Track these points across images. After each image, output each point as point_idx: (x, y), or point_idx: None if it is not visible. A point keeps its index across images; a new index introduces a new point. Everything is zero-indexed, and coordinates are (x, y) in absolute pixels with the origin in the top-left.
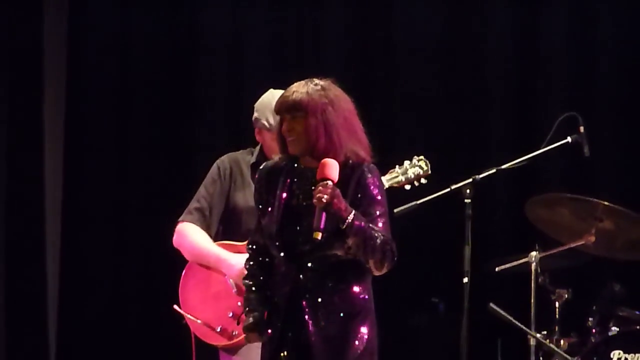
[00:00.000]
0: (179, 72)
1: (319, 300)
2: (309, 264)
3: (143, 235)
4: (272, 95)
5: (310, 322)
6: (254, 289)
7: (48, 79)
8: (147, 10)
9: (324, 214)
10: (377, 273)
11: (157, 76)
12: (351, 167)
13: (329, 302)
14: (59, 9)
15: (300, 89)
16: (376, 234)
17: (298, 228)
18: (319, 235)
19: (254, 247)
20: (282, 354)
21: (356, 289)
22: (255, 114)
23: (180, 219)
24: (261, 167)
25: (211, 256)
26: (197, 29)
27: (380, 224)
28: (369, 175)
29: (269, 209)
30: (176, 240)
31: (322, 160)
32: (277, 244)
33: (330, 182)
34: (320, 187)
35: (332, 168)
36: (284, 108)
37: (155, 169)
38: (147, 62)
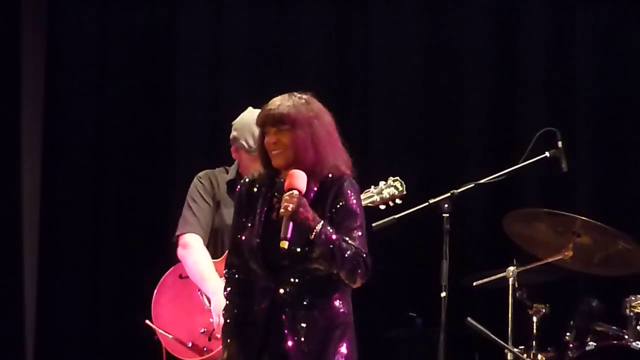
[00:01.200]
0: (158, 73)
1: (299, 314)
2: (289, 278)
3: (119, 246)
4: (252, 115)
5: (289, 336)
6: (229, 321)
7: (26, 80)
8: (125, 10)
9: (290, 224)
10: (352, 286)
11: (136, 77)
12: (331, 180)
13: (309, 316)
14: (38, 9)
15: (285, 102)
16: (346, 245)
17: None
18: (286, 245)
19: (232, 269)
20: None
21: (336, 303)
22: (234, 133)
23: (179, 231)
24: (242, 182)
25: (209, 283)
26: (176, 30)
27: (355, 237)
28: (348, 189)
29: (249, 224)
30: (181, 253)
31: (290, 171)
32: (257, 258)
33: (295, 192)
34: (286, 197)
35: (299, 178)
36: (269, 121)
37: (134, 169)
38: (126, 62)
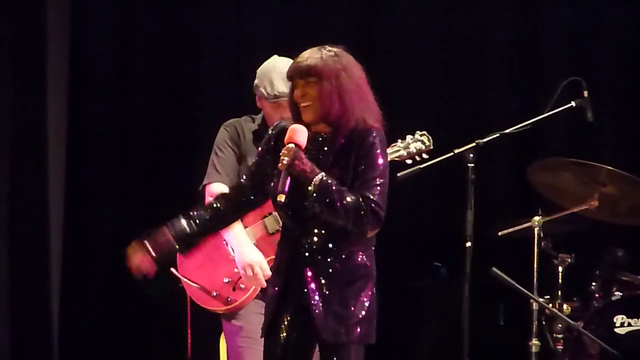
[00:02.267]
0: (180, 70)
1: (321, 265)
2: (313, 229)
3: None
4: (273, 63)
5: (311, 286)
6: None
7: (51, 80)
8: (149, 7)
9: (288, 177)
10: (362, 236)
11: (159, 78)
12: (358, 133)
13: (331, 267)
14: (62, 11)
15: (313, 54)
16: (348, 196)
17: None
18: (282, 198)
19: (236, 185)
20: (284, 317)
21: (358, 255)
22: (256, 81)
23: (206, 181)
24: (273, 128)
25: (234, 237)
26: (200, 31)
27: (371, 187)
28: (373, 141)
29: (275, 171)
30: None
31: (290, 126)
32: (284, 209)
33: (292, 145)
34: (284, 151)
35: (298, 133)
36: (297, 73)
37: (157, 170)
38: (149, 63)
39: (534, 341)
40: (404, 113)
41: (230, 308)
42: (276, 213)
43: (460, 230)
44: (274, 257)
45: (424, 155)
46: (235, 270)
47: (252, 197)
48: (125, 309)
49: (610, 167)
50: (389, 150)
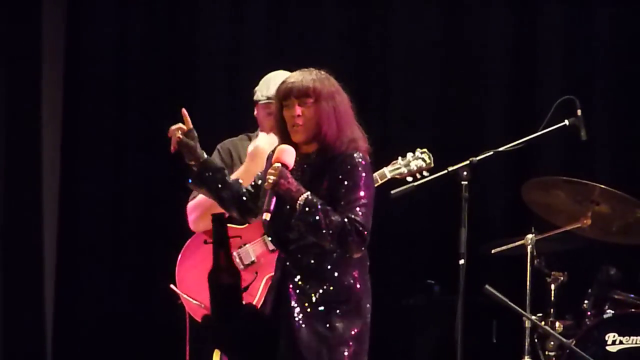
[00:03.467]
0: (177, 75)
1: (305, 287)
2: (297, 252)
3: (142, 217)
4: (274, 74)
5: (295, 306)
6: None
7: (46, 83)
8: (145, 13)
9: (273, 197)
10: (348, 256)
11: (155, 79)
12: (343, 154)
13: (317, 288)
14: (57, 11)
15: (307, 75)
16: (333, 216)
17: (286, 214)
18: (268, 216)
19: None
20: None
21: (346, 277)
22: (255, 89)
23: (190, 198)
24: (273, 150)
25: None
26: (197, 31)
27: (356, 207)
28: (357, 163)
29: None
30: (192, 222)
31: (279, 147)
32: (267, 231)
33: (278, 165)
34: (270, 170)
35: (286, 153)
36: (293, 93)
37: (152, 172)
38: (145, 64)
39: (527, 359)
40: (398, 130)
41: None
42: None
43: (453, 247)
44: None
45: (425, 173)
46: None
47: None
48: (120, 316)
49: (603, 186)
50: (389, 168)
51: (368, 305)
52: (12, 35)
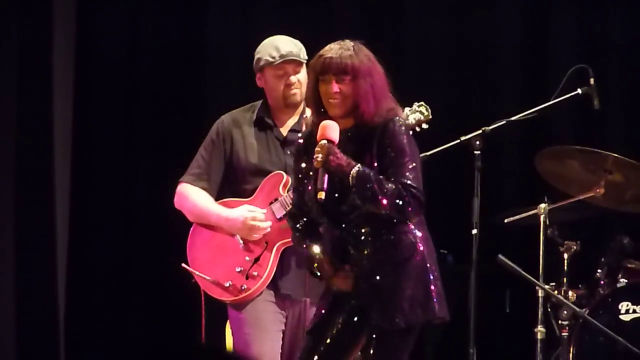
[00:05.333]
0: (188, 76)
1: (365, 252)
2: (352, 223)
3: (151, 198)
4: (273, 37)
5: (358, 274)
6: (298, 226)
7: (57, 81)
8: (156, 13)
9: (325, 174)
10: (406, 221)
11: (166, 80)
12: (381, 122)
13: (376, 253)
14: (68, 12)
15: (344, 50)
16: (388, 184)
17: (336, 189)
18: (323, 195)
19: (294, 212)
20: (334, 317)
21: (403, 236)
22: (257, 55)
23: (180, 179)
24: (302, 134)
25: (212, 215)
26: (207, 32)
27: (405, 172)
28: (395, 128)
29: (310, 172)
30: (177, 202)
31: (321, 123)
32: (317, 209)
33: (324, 142)
34: (317, 148)
35: (331, 129)
36: (332, 70)
37: (162, 168)
38: (156, 64)
39: (540, 328)
40: (410, 101)
41: (244, 297)
42: (282, 199)
43: (466, 217)
44: (285, 241)
45: (424, 126)
46: (247, 258)
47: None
48: (134, 295)
49: (616, 155)
50: None
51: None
52: (24, 37)
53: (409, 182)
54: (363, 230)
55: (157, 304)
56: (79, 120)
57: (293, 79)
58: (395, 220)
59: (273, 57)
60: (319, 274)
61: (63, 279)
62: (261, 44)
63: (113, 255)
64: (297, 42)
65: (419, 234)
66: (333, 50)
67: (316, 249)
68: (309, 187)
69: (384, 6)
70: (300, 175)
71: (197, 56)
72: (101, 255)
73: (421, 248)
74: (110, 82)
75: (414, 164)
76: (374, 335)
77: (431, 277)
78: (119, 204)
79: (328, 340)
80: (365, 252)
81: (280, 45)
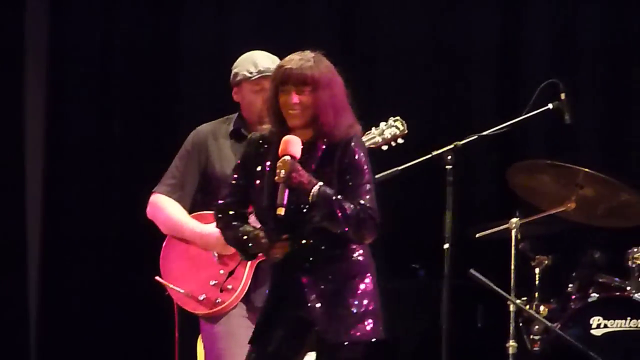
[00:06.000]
0: (161, 76)
1: (316, 269)
2: (304, 237)
3: (124, 209)
4: (252, 52)
5: (308, 291)
6: (234, 223)
7: (29, 82)
8: (129, 13)
9: (286, 190)
10: (360, 243)
11: (140, 79)
12: (340, 139)
13: (326, 270)
14: (41, 12)
15: (304, 62)
16: (347, 205)
17: (293, 201)
18: (282, 211)
19: (226, 209)
20: (277, 325)
21: (353, 252)
22: (235, 70)
23: (154, 189)
24: (250, 137)
25: (185, 230)
26: (181, 31)
27: (363, 193)
28: (355, 146)
29: (257, 181)
30: (150, 212)
31: (284, 138)
32: (269, 218)
33: (288, 157)
34: (279, 164)
35: (293, 144)
36: (292, 80)
37: (137, 170)
38: (129, 64)
39: (512, 343)
40: (382, 115)
41: (219, 310)
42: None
43: (438, 232)
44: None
45: (399, 140)
46: (221, 271)
47: (242, 211)
48: (107, 308)
49: (587, 169)
50: (364, 139)
51: (374, 280)
52: None
53: (367, 204)
54: (315, 244)
55: (130, 316)
56: (52, 123)
57: None
58: (343, 239)
59: (251, 72)
60: (254, 251)
61: (34, 290)
62: (239, 59)
63: (84, 268)
64: (275, 58)
65: (367, 257)
66: (293, 61)
67: (248, 226)
68: (261, 190)
69: (357, 17)
70: (239, 176)
71: (171, 57)
72: (73, 268)
73: (369, 271)
74: (83, 84)
75: (370, 186)
76: (320, 350)
77: (377, 300)
78: (92, 211)
79: (270, 356)
80: (317, 264)
81: (258, 61)
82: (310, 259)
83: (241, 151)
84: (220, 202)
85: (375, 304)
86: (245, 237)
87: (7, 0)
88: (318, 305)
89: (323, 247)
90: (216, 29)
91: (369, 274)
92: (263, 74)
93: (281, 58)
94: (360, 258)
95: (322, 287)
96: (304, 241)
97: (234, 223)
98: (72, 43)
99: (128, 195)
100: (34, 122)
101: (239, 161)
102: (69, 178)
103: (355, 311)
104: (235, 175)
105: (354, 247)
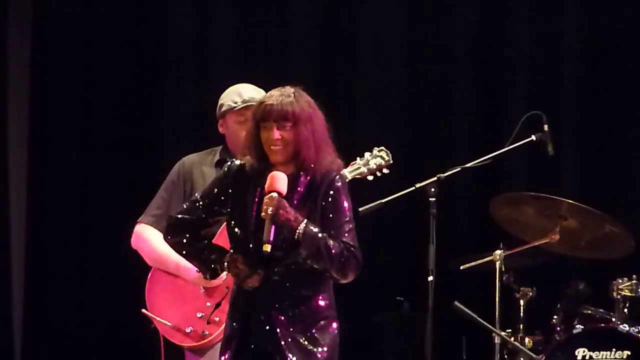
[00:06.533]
0: (145, 75)
1: (285, 307)
2: (275, 272)
3: (107, 238)
4: (238, 85)
5: (276, 325)
6: (187, 246)
7: (12, 77)
8: (113, 12)
9: (272, 227)
10: (342, 281)
11: (123, 79)
12: (322, 175)
13: (295, 309)
14: (23, 12)
15: (285, 97)
16: (332, 242)
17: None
18: (268, 248)
19: (179, 222)
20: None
21: (320, 297)
22: (220, 102)
23: (139, 219)
24: (230, 164)
25: (171, 262)
26: (165, 27)
27: (345, 231)
28: (338, 184)
29: (235, 212)
30: (135, 243)
31: (270, 174)
32: (247, 250)
33: (275, 194)
34: (266, 200)
35: (279, 180)
36: (273, 116)
37: (119, 166)
38: (113, 60)
39: None
40: (364, 147)
41: (206, 342)
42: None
43: (422, 264)
44: None
45: (385, 171)
46: (208, 304)
47: (198, 231)
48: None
49: (570, 201)
50: (349, 169)
51: (337, 325)
52: None
53: (350, 242)
54: (286, 281)
55: (116, 349)
56: (35, 118)
57: None
58: (312, 277)
59: (235, 102)
60: (224, 271)
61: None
62: (225, 92)
63: (68, 299)
64: (261, 90)
65: (332, 303)
66: (274, 97)
67: (219, 246)
68: (241, 222)
69: (338, 49)
70: (209, 199)
71: (155, 52)
72: (56, 297)
73: (331, 310)
74: (66, 79)
75: (352, 225)
76: None
77: (336, 348)
78: (75, 240)
79: None
80: (285, 302)
81: (242, 92)
82: (282, 297)
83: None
84: (177, 215)
85: (335, 351)
86: (215, 257)
87: None
88: (286, 338)
89: (295, 287)
90: (198, 24)
91: (334, 322)
92: (247, 104)
93: (265, 67)
94: (326, 303)
95: (289, 325)
96: (276, 278)
97: (195, 241)
98: (54, 40)
99: (109, 189)
100: (18, 121)
101: (212, 185)
102: (53, 176)
103: (317, 355)
104: (201, 197)
105: (323, 291)
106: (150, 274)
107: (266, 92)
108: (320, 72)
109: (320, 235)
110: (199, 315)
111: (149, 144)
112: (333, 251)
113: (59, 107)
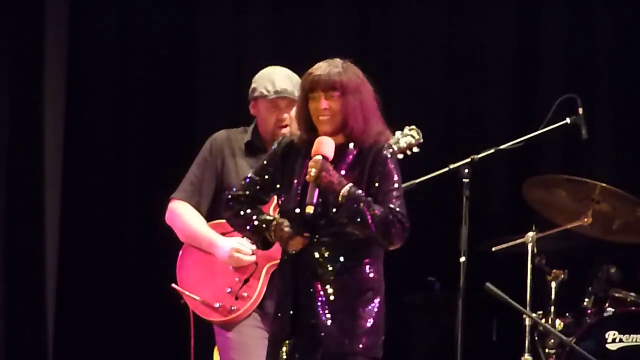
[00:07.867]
0: (179, 76)
1: (329, 276)
2: (323, 240)
3: (141, 217)
4: (272, 69)
5: (318, 297)
6: (248, 211)
7: (48, 80)
8: (147, 13)
9: (316, 189)
10: (390, 248)
11: (157, 80)
12: (371, 145)
13: (339, 278)
14: (60, 11)
15: (333, 68)
16: (376, 207)
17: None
18: (311, 209)
19: (233, 198)
20: (291, 328)
21: (367, 267)
22: (253, 85)
23: (172, 195)
24: (280, 141)
25: (204, 239)
26: (198, 33)
27: (393, 198)
28: (386, 153)
29: (283, 180)
30: (169, 219)
31: (317, 138)
32: (295, 223)
33: (319, 157)
34: (311, 163)
35: (325, 144)
36: (320, 86)
37: (154, 172)
38: (146, 65)
39: (527, 356)
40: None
41: (233, 317)
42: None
43: (454, 245)
44: (275, 262)
45: (415, 149)
46: (236, 279)
47: (248, 210)
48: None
49: (603, 184)
50: None
51: (382, 298)
52: (16, 41)
53: (396, 208)
54: (331, 246)
55: (146, 324)
56: (71, 125)
57: (285, 116)
58: (359, 246)
59: (268, 91)
60: (272, 239)
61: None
62: (259, 73)
63: (101, 273)
64: (294, 76)
65: (379, 275)
66: (322, 67)
67: (267, 215)
68: (289, 189)
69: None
70: (261, 174)
71: (188, 56)
72: (89, 274)
73: (380, 290)
74: (101, 85)
75: (400, 192)
76: (323, 356)
77: (382, 321)
78: (109, 215)
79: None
80: (328, 269)
81: (276, 80)
82: (327, 266)
83: (255, 162)
84: (234, 191)
85: (380, 325)
86: (264, 224)
87: (27, 1)
88: (325, 313)
89: (339, 257)
90: (233, 22)
91: (379, 294)
92: (279, 95)
93: (299, 64)
94: (372, 275)
95: (331, 295)
96: (323, 241)
97: (247, 211)
98: (90, 37)
99: (145, 198)
100: (54, 122)
101: (264, 161)
102: (87, 182)
103: (361, 326)
104: (256, 172)
105: (368, 263)
106: (181, 250)
107: (297, 58)
108: (356, 40)
109: (363, 198)
110: (227, 290)
111: (182, 150)
112: (377, 212)
113: (94, 115)
